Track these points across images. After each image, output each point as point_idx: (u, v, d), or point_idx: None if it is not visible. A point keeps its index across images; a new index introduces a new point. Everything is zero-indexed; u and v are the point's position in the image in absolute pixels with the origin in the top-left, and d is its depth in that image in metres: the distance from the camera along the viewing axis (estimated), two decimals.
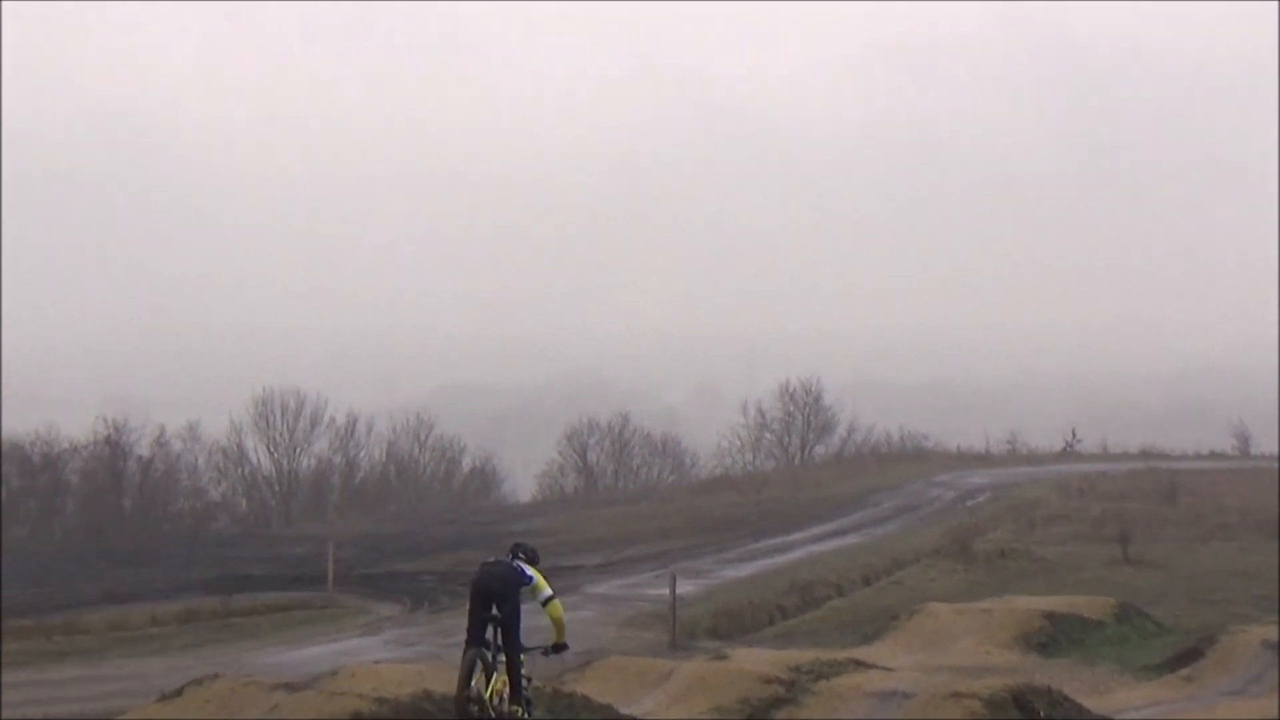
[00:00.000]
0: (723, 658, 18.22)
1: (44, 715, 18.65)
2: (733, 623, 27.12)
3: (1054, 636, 21.09)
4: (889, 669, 17.79)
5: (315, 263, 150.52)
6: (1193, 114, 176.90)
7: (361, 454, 71.29)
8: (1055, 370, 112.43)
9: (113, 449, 60.12)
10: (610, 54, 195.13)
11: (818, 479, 59.10)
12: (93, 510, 59.11)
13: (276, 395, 67.94)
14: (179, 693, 15.04)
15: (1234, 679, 17.93)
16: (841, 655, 18.65)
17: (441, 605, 29.74)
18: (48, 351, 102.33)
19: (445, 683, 14.64)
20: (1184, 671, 18.48)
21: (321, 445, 69.36)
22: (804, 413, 72.85)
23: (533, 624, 11.61)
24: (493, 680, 10.98)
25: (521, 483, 73.86)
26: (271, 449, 67.70)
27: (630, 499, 60.07)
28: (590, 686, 16.33)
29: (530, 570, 11.29)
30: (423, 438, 73.38)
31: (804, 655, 18.36)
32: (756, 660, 17.86)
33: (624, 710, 15.45)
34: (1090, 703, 16.20)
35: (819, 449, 72.57)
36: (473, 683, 10.85)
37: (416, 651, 22.88)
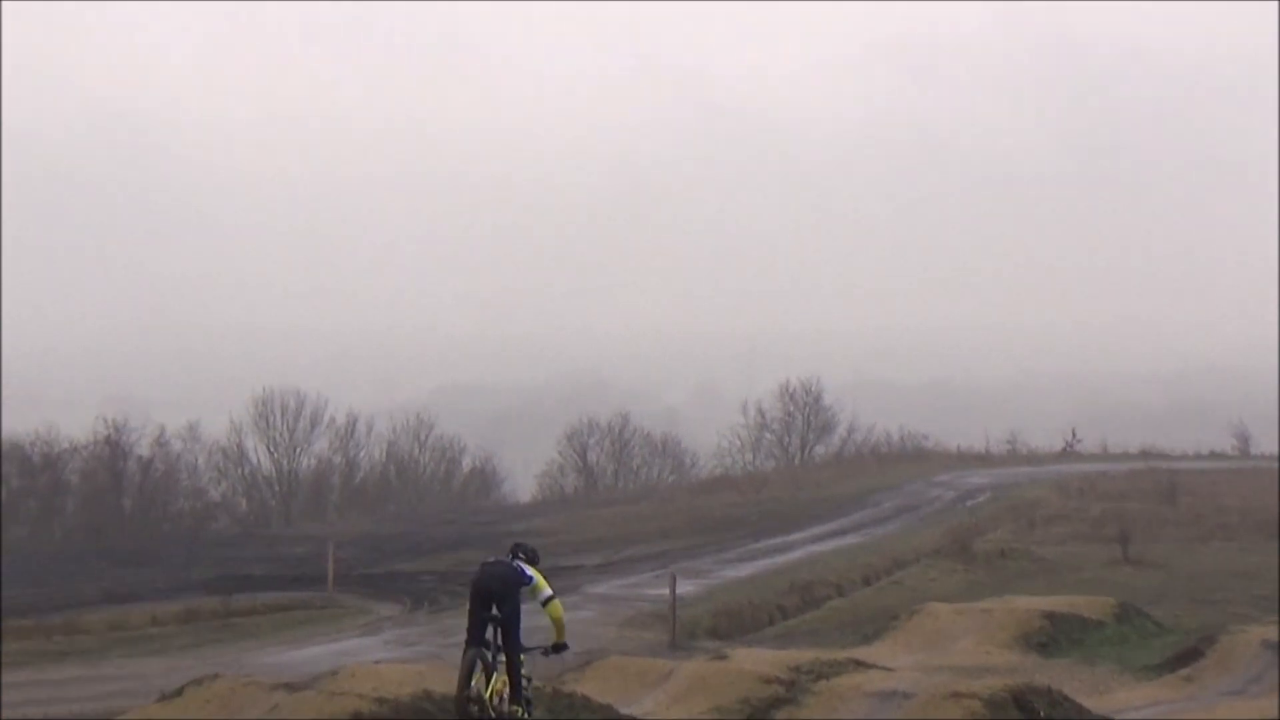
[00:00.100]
0: (723, 658, 18.20)
1: (44, 715, 18.63)
2: (733, 623, 27.11)
3: (1054, 636, 21.07)
4: (889, 669, 17.77)
5: (315, 262, 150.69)
6: (1193, 114, 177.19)
7: (361, 454, 71.35)
8: (1055, 370, 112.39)
9: (113, 449, 60.06)
10: (610, 54, 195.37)
11: (818, 479, 59.07)
12: (93, 510, 59.06)
13: (276, 395, 67.99)
14: (179, 693, 15.03)
15: (1234, 679, 17.90)
16: (841, 655, 18.64)
17: (441, 605, 29.72)
18: (48, 351, 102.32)
19: (445, 683, 14.62)
20: (1184, 671, 18.46)
21: (321, 445, 69.43)
22: (804, 413, 72.82)
23: (532, 624, 11.61)
24: (493, 680, 10.97)
25: (521, 483, 73.89)
26: (271, 449, 67.70)
27: (630, 499, 60.04)
28: (590, 686, 16.32)
29: (530, 570, 11.29)
30: (423, 438, 73.38)
31: (804, 655, 18.35)
32: (756, 660, 17.85)
33: (624, 710, 15.43)
34: (1090, 703, 16.18)
35: (819, 449, 72.57)
36: (473, 683, 10.84)
37: (416, 651, 22.85)
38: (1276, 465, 52.42)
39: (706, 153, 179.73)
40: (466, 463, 74.79)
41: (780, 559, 36.01)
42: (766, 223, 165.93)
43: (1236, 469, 56.55)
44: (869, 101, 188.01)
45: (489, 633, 11.02)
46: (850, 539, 39.83)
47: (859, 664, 17.81)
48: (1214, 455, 63.22)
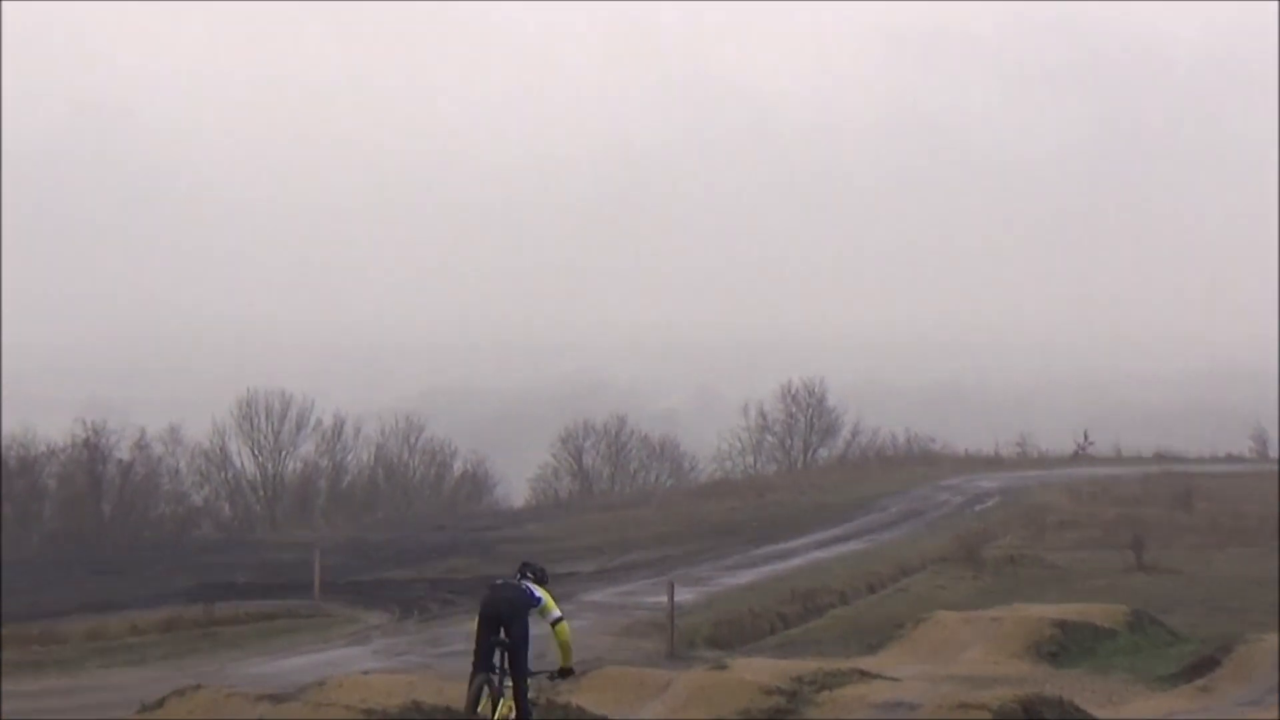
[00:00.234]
0: (723, 668, 18.15)
1: None
2: (733, 632, 27.06)
3: (1065, 645, 20.95)
4: (894, 679, 17.68)
5: (301, 258, 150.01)
6: (1211, 113, 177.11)
7: (349, 457, 70.70)
8: (1066, 370, 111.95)
9: (92, 452, 59.42)
10: (610, 53, 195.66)
11: (821, 483, 58.92)
12: (71, 516, 58.57)
13: (261, 396, 67.17)
14: (160, 704, 15.16)
15: (1251, 689, 17.76)
16: (845, 665, 18.56)
17: (431, 614, 29.76)
18: (24, 351, 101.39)
19: (435, 693, 14.38)
20: (1200, 682, 18.36)
21: (308, 448, 68.69)
22: (807, 414, 72.39)
23: (537, 650, 11.41)
24: (499, 706, 10.92)
25: (514, 487, 73.57)
26: (256, 452, 67.00)
27: (627, 503, 59.82)
28: (586, 698, 16.18)
29: (539, 591, 11.25)
30: (413, 440, 72.85)
31: (806, 665, 18.24)
32: (757, 670, 17.77)
33: None
34: (1103, 714, 16.12)
35: (822, 452, 72.21)
36: (479, 709, 10.79)
37: (405, 661, 22.75)
38: None
39: (706, 153, 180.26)
40: (457, 466, 74.39)
41: (782, 566, 35.90)
42: (770, 221, 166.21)
43: (1254, 472, 55.66)
44: (876, 100, 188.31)
45: (496, 657, 10.95)
46: (854, 545, 39.78)
47: (863, 674, 17.71)
48: (1231, 458, 63.02)
